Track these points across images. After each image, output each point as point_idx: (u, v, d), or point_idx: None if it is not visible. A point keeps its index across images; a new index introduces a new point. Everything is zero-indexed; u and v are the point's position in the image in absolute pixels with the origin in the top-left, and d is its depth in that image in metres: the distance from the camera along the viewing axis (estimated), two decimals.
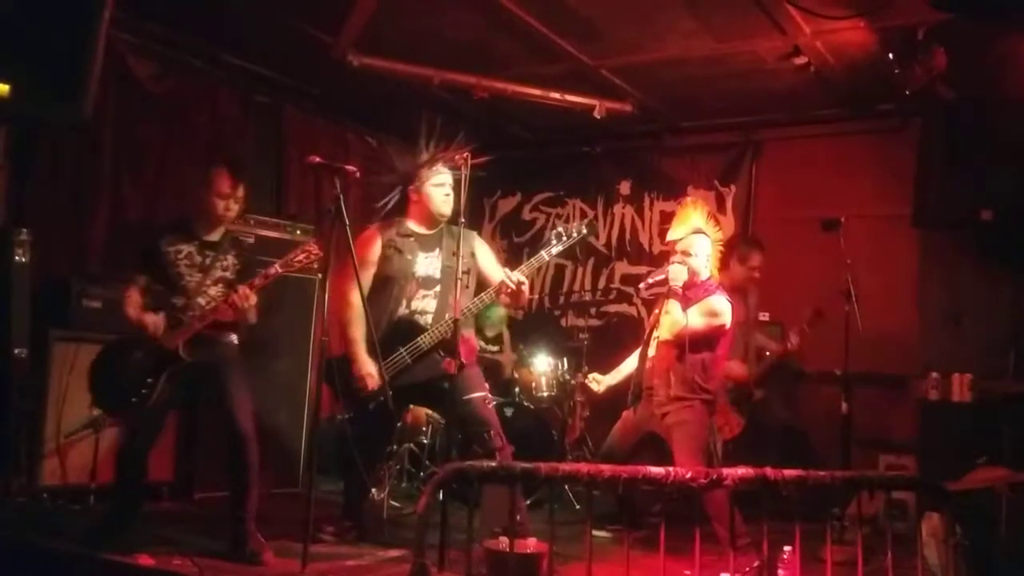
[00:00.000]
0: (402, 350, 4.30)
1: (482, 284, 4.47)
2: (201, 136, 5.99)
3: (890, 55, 4.95)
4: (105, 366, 4.04)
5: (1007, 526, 3.63)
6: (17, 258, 4.70)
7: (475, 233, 4.73)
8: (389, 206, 4.56)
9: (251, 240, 5.15)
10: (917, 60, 4.77)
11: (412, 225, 4.50)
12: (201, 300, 4.05)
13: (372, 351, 4.20)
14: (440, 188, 4.41)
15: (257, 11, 5.26)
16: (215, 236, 4.18)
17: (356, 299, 4.23)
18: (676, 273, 4.48)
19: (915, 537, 3.33)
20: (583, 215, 7.58)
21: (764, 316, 5.75)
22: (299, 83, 6.57)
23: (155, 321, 3.97)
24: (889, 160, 6.24)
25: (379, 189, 4.59)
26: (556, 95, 6.17)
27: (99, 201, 5.44)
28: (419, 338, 4.29)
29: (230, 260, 4.18)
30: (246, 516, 3.93)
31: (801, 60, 5.50)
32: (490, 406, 4.43)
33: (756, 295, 5.73)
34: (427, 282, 4.40)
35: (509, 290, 4.26)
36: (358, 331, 4.28)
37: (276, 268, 4.04)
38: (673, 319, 4.43)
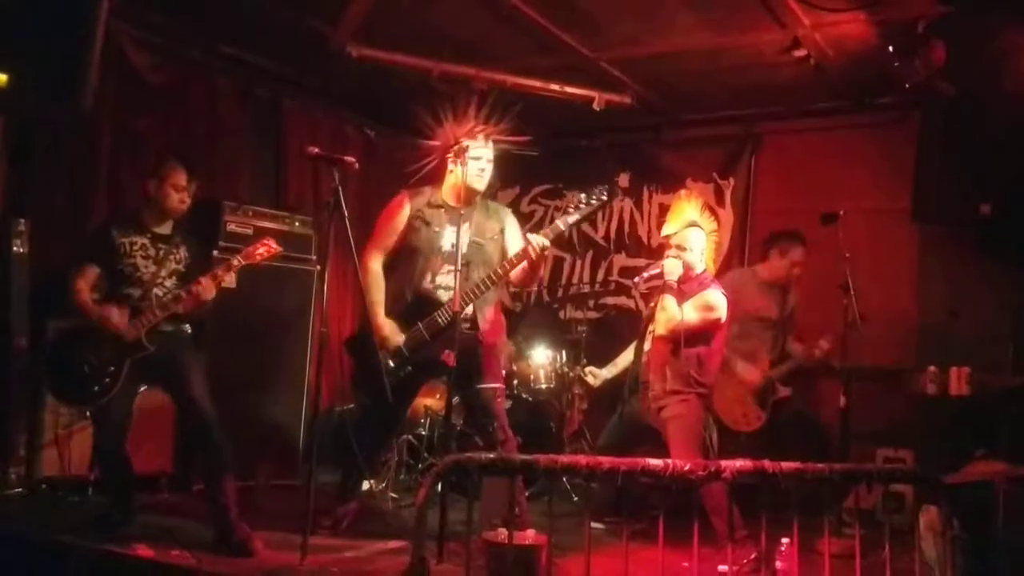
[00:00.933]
0: (420, 325, 4.23)
1: None
2: (199, 127, 5.98)
3: (890, 48, 4.94)
4: (63, 357, 4.03)
5: (1004, 520, 3.63)
6: (16, 248, 4.71)
7: (508, 210, 4.63)
8: (422, 171, 4.43)
9: (249, 232, 5.17)
10: (917, 54, 4.76)
11: (444, 196, 4.38)
12: (158, 291, 4.08)
13: (392, 317, 4.21)
14: (476, 161, 4.25)
15: (256, 1, 5.24)
16: (166, 229, 4.22)
17: (376, 267, 4.26)
18: (671, 268, 4.47)
19: (912, 530, 3.34)
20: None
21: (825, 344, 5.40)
22: (298, 74, 6.55)
23: (120, 315, 3.96)
24: (888, 154, 6.23)
25: (417, 152, 4.44)
26: (555, 87, 6.16)
27: (97, 192, 5.42)
28: (436, 313, 4.20)
29: (182, 253, 4.23)
30: (227, 503, 3.93)
31: (800, 53, 5.49)
32: (500, 399, 4.38)
33: (797, 294, 5.68)
34: (453, 257, 4.18)
35: (531, 258, 4.12)
36: (377, 296, 4.24)
37: (238, 260, 4.12)
38: (668, 314, 4.43)
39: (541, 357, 6.16)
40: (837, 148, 6.57)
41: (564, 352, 6.24)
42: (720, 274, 6.74)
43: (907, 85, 4.92)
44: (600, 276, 7.41)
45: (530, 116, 7.10)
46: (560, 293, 7.54)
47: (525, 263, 4.17)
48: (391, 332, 4.21)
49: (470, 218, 4.28)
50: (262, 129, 6.49)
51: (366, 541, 4.23)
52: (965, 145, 5.23)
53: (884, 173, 6.25)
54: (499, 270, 4.22)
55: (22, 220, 4.77)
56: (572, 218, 4.29)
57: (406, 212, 4.35)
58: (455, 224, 4.25)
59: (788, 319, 5.65)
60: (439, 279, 4.28)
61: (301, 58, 6.17)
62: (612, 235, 7.42)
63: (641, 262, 7.05)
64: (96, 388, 3.95)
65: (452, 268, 4.17)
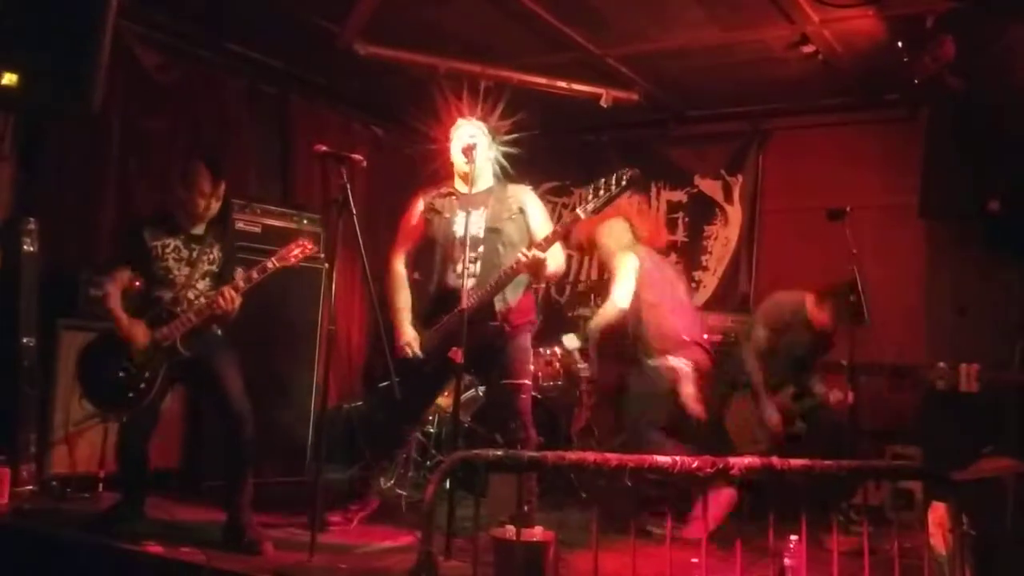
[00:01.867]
0: (446, 318, 4.19)
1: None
2: (208, 126, 5.99)
3: (899, 44, 4.93)
4: (98, 361, 3.99)
5: (1014, 516, 3.63)
6: (25, 247, 4.72)
7: (528, 188, 4.48)
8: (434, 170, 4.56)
9: (257, 230, 5.21)
10: (926, 49, 4.75)
11: (454, 184, 4.38)
12: (190, 294, 4.04)
13: (417, 318, 4.24)
14: (457, 142, 4.25)
15: (263, 0, 5.26)
16: (199, 229, 4.18)
17: (399, 268, 4.33)
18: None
19: (921, 527, 3.33)
20: None
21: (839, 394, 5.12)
22: (305, 73, 6.57)
23: (143, 335, 3.92)
24: (896, 150, 6.22)
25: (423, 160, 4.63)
26: (562, 84, 6.17)
27: (106, 191, 5.45)
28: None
29: (215, 253, 4.18)
30: (242, 503, 3.92)
31: (809, 49, 5.48)
32: (524, 395, 4.26)
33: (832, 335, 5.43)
34: (471, 243, 4.09)
35: (526, 266, 4.05)
36: (401, 299, 4.30)
37: (272, 263, 4.03)
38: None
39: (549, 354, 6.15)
40: (845, 144, 6.55)
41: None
42: (726, 279, 6.82)
43: (916, 81, 4.91)
44: (607, 274, 7.38)
45: (537, 113, 7.16)
46: (568, 291, 7.54)
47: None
48: (412, 340, 4.25)
49: (485, 203, 4.21)
50: (270, 127, 6.50)
51: (374, 538, 4.24)
52: (973, 141, 5.21)
53: (892, 170, 6.23)
54: (513, 266, 4.08)
55: (32, 219, 4.78)
56: (590, 206, 4.09)
57: (420, 207, 4.40)
58: (465, 209, 4.19)
59: (816, 357, 5.47)
60: (461, 268, 4.12)
61: (309, 56, 6.19)
62: None
63: None
64: (131, 395, 3.92)
65: (473, 255, 4.11)
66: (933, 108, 5.66)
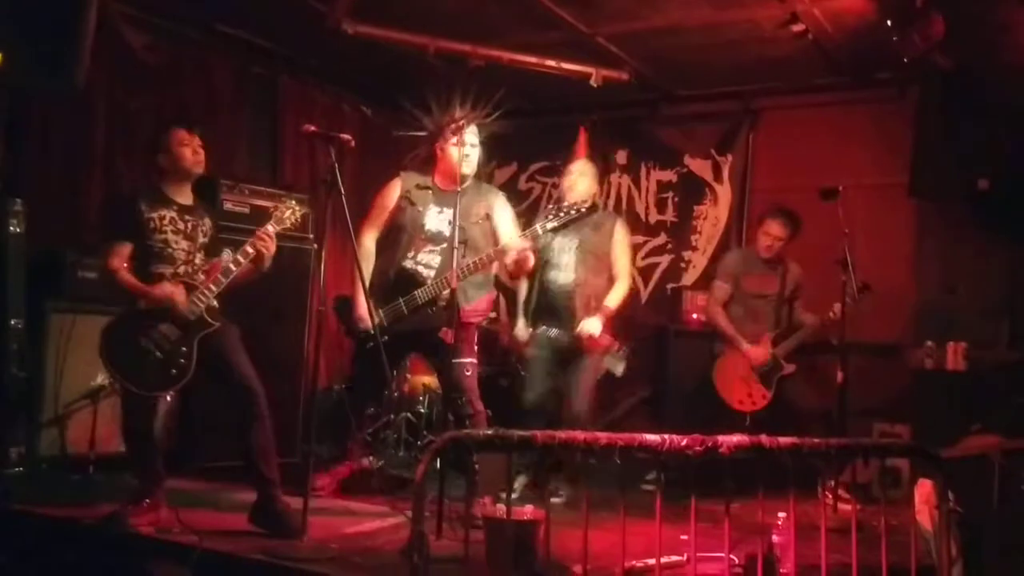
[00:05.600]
0: (401, 300, 4.42)
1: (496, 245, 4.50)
2: (196, 106, 5.95)
3: (888, 23, 4.92)
4: (128, 342, 3.79)
5: (1000, 493, 3.66)
6: (12, 228, 4.69)
7: (500, 193, 4.73)
8: (420, 157, 4.69)
9: (246, 210, 5.19)
10: (915, 28, 4.74)
11: (434, 179, 4.58)
12: (189, 270, 3.96)
13: (372, 296, 4.34)
14: (457, 146, 4.41)
15: None
16: (188, 199, 4.08)
17: (368, 242, 4.50)
18: None
19: (909, 504, 3.35)
20: None
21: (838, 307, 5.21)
22: (294, 53, 6.52)
23: (179, 292, 3.81)
24: (887, 129, 6.22)
25: (410, 142, 4.74)
26: (552, 63, 6.14)
27: (93, 172, 5.42)
28: (416, 292, 4.40)
29: (207, 224, 4.11)
30: (275, 482, 3.85)
31: (799, 28, 5.46)
32: (468, 373, 4.48)
33: (797, 267, 5.67)
34: (435, 238, 4.47)
35: (512, 261, 4.34)
36: (365, 272, 4.38)
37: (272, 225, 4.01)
38: None
39: None
40: (835, 124, 6.55)
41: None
42: (718, 254, 6.79)
43: (905, 60, 4.90)
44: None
45: (527, 93, 7.13)
46: None
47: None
48: (364, 313, 4.39)
49: (458, 201, 4.33)
50: (258, 107, 6.47)
51: (365, 518, 4.25)
52: (963, 120, 5.22)
53: (882, 149, 6.24)
54: (483, 258, 4.35)
55: (18, 200, 4.74)
56: (551, 224, 4.44)
57: (396, 192, 4.55)
58: (439, 205, 4.48)
59: (793, 293, 5.63)
60: (420, 257, 4.47)
61: (297, 36, 6.15)
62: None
63: (639, 239, 7.04)
64: (174, 371, 3.79)
65: (433, 248, 4.45)
66: (923, 87, 5.66)
